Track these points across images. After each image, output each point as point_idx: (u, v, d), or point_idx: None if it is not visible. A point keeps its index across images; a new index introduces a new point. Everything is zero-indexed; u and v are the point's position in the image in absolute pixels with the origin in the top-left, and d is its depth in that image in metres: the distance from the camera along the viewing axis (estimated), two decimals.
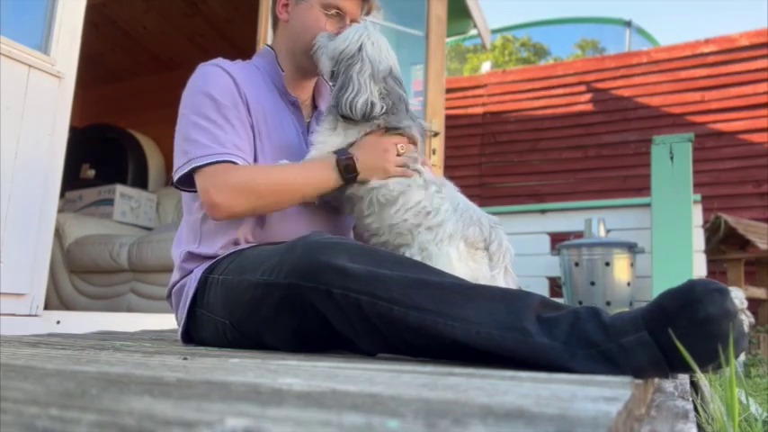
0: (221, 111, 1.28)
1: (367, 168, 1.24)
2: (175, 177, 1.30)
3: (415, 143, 1.29)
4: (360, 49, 1.26)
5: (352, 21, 1.42)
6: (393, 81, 1.28)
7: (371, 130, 1.28)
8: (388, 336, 0.96)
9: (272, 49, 1.48)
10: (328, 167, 1.25)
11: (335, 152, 1.25)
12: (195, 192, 1.31)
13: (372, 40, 1.28)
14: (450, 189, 1.27)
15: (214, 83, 1.31)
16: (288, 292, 1.06)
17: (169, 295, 1.44)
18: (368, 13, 1.48)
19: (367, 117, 1.24)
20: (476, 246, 1.18)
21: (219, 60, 1.38)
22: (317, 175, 1.26)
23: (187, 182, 1.30)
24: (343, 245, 1.05)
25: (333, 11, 1.39)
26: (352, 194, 1.28)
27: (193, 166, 1.25)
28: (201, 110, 1.29)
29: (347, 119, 1.25)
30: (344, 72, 1.25)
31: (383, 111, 1.25)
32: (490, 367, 0.87)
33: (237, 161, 1.26)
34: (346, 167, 1.24)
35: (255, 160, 1.34)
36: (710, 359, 0.80)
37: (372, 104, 1.23)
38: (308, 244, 1.07)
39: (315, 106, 1.54)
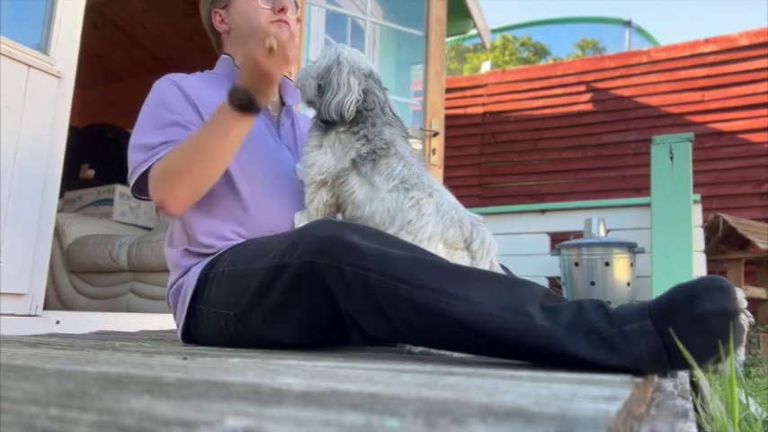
0: (157, 120, 1.35)
1: (243, 76, 1.23)
2: (130, 186, 1.37)
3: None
4: (338, 57, 1.33)
5: None
6: (374, 82, 1.34)
7: (359, 144, 1.29)
8: (392, 316, 0.97)
9: (229, 55, 1.55)
10: (222, 107, 1.25)
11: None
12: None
13: (348, 50, 1.35)
14: (438, 188, 1.27)
15: (155, 98, 1.39)
16: (300, 271, 1.08)
17: (168, 293, 1.44)
18: None
19: (342, 115, 1.27)
20: (455, 246, 1.18)
21: (170, 75, 1.45)
22: (216, 119, 1.26)
23: (143, 191, 1.36)
24: (355, 225, 1.09)
25: None
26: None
27: (136, 176, 1.32)
28: (144, 124, 1.37)
29: (327, 122, 1.30)
30: (326, 81, 1.32)
31: (358, 107, 1.29)
32: (490, 366, 0.87)
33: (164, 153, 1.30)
34: (234, 94, 1.23)
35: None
36: (708, 354, 0.81)
37: (345, 103, 1.27)
38: (323, 223, 1.11)
39: (283, 103, 1.60)
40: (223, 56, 1.55)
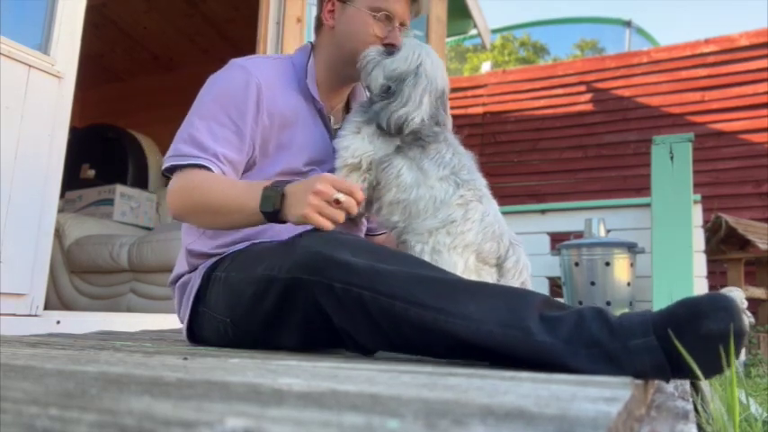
0: (219, 117, 1.27)
1: (288, 204, 1.11)
2: (162, 167, 1.31)
3: (359, 201, 1.11)
4: (418, 66, 1.24)
5: (401, 24, 1.38)
6: (441, 104, 1.27)
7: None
8: (389, 332, 0.96)
9: (311, 49, 1.44)
10: (256, 192, 1.14)
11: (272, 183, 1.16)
12: None
13: (432, 59, 1.26)
14: (487, 194, 1.23)
15: (227, 86, 1.30)
16: (290, 286, 1.06)
17: (174, 282, 1.42)
18: (416, 15, 1.44)
19: (401, 130, 1.21)
20: (486, 261, 1.16)
21: (251, 60, 1.36)
22: (244, 198, 1.16)
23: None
24: (344, 239, 1.06)
25: (382, 14, 1.34)
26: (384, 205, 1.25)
27: (170, 164, 1.27)
28: (203, 110, 1.29)
29: (380, 128, 1.23)
30: (398, 87, 1.23)
31: (418, 125, 1.21)
32: (490, 367, 0.87)
33: (209, 165, 1.24)
34: (267, 197, 1.12)
35: (269, 158, 1.33)
36: (712, 372, 0.81)
37: (408, 118, 1.20)
38: (309, 238, 1.07)
39: (349, 110, 1.50)
40: (308, 45, 1.46)
